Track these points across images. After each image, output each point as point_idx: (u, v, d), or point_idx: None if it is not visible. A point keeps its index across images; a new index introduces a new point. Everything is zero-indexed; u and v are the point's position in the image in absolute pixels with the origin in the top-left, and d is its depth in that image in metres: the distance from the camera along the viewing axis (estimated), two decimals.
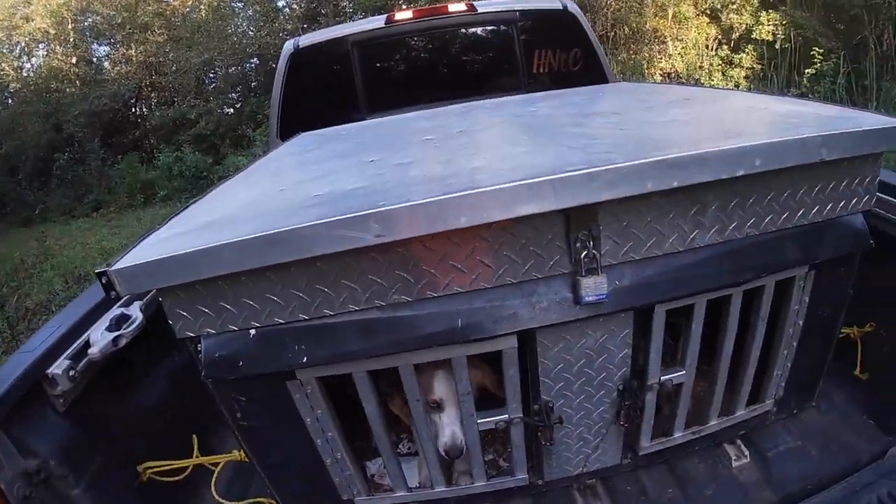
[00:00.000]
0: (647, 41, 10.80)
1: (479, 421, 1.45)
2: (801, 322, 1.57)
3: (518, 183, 1.05)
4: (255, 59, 13.42)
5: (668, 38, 10.71)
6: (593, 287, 1.25)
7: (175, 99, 13.64)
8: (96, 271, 1.11)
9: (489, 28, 3.64)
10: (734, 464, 1.67)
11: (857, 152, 1.25)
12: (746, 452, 1.69)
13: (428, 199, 1.03)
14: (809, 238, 1.37)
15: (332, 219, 1.02)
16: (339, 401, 1.44)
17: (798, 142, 1.16)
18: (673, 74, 10.62)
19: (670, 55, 10.67)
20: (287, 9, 13.70)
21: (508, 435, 1.50)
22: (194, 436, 1.76)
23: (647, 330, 1.42)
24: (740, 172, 1.15)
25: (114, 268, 1.10)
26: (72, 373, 1.43)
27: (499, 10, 3.58)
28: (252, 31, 13.53)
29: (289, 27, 12.71)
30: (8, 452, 1.29)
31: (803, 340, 1.61)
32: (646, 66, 10.54)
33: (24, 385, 1.34)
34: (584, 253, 1.23)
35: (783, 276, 1.46)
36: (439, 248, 1.17)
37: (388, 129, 2.29)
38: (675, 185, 1.13)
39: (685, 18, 10.60)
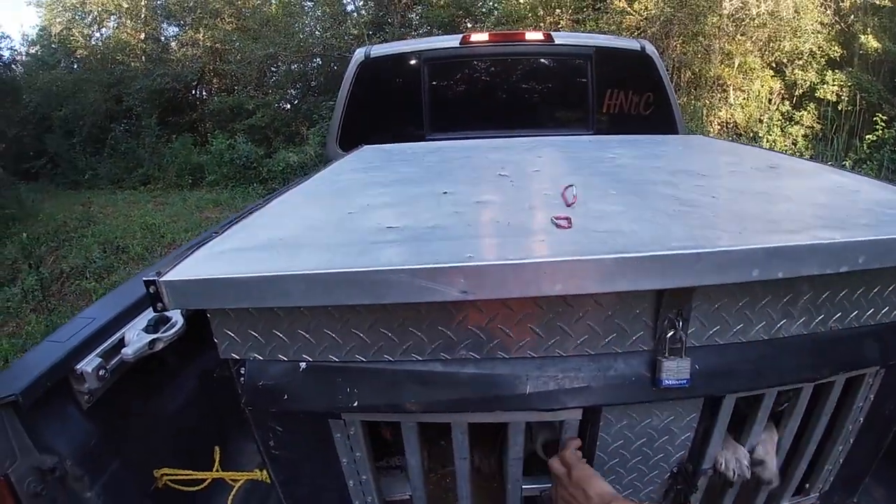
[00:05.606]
0: (708, 88, 10.64)
1: (524, 486, 1.35)
2: (861, 419, 1.44)
3: (623, 256, 0.95)
4: (318, 60, 13.60)
5: (731, 88, 10.54)
6: (675, 371, 1.13)
7: (235, 87, 13.89)
8: (143, 279, 0.98)
9: (564, 61, 3.55)
10: None
11: None
12: None
13: (523, 261, 0.93)
14: (891, 337, 1.25)
15: (418, 267, 0.92)
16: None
17: None
18: (731, 125, 10.44)
19: (731, 105, 10.50)
20: (355, 13, 13.89)
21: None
22: (217, 448, 1.68)
23: (714, 415, 1.30)
24: (844, 269, 1.03)
25: (164, 278, 0.97)
26: (101, 371, 1.35)
27: (576, 43, 3.50)
28: (318, 31, 13.72)
29: (355, 32, 12.87)
30: (24, 446, 1.20)
31: (860, 436, 1.48)
32: (705, 113, 10.38)
33: (51, 378, 1.26)
34: (672, 333, 1.11)
35: (856, 373, 1.33)
36: (520, 308, 1.06)
37: (456, 156, 2.21)
38: (780, 275, 1.02)
39: (751, 69, 10.42)
